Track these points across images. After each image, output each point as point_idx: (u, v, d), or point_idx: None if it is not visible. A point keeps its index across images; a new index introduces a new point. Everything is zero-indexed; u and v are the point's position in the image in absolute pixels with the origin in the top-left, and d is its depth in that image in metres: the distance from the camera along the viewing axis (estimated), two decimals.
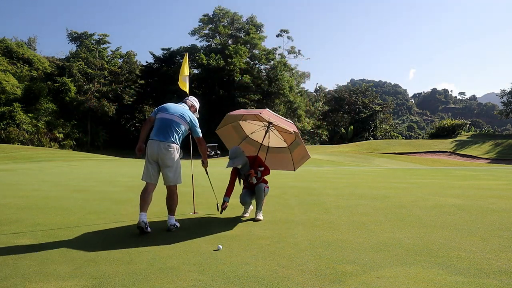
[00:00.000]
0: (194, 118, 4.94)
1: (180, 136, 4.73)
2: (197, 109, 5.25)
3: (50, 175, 14.95)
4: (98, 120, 57.15)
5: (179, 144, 4.74)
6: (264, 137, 5.93)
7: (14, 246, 4.12)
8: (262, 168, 5.46)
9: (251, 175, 5.32)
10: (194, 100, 5.26)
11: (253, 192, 5.51)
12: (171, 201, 4.77)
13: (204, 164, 5.21)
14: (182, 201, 7.15)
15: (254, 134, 6.19)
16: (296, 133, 5.45)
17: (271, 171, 5.74)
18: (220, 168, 19.34)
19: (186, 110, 4.91)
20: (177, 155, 4.68)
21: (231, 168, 5.48)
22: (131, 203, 6.88)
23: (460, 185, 9.27)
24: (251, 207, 5.76)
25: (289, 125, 5.48)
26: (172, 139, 4.63)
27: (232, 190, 5.44)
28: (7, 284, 3.02)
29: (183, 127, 4.77)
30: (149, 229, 4.59)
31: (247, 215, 5.60)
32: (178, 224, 4.84)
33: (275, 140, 6.10)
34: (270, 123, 5.81)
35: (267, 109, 5.63)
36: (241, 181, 5.62)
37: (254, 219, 5.29)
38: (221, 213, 5.39)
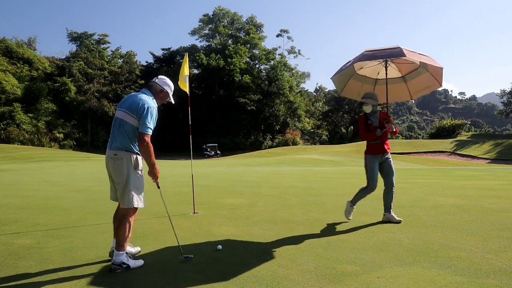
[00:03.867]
0: (150, 107, 3.42)
1: (132, 138, 3.41)
2: (171, 93, 3.74)
3: (50, 175, 14.95)
4: (98, 120, 57.13)
5: (135, 149, 3.42)
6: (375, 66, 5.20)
7: (14, 246, 4.12)
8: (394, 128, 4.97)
9: (388, 130, 4.84)
10: (163, 83, 3.68)
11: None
12: (119, 230, 3.40)
13: (152, 175, 3.47)
14: (182, 201, 7.18)
15: (362, 69, 5.41)
16: (429, 64, 4.57)
17: None
18: (220, 168, 19.32)
19: (143, 98, 3.45)
20: (128, 166, 3.37)
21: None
22: None
23: (460, 185, 9.27)
24: (354, 207, 5.23)
25: (424, 59, 4.53)
26: (119, 145, 3.38)
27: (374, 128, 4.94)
28: (7, 284, 3.02)
29: (131, 124, 3.39)
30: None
31: (351, 217, 5.14)
32: (130, 264, 3.34)
33: (384, 72, 5.23)
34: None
35: (402, 47, 4.51)
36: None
37: (392, 222, 5.00)
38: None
